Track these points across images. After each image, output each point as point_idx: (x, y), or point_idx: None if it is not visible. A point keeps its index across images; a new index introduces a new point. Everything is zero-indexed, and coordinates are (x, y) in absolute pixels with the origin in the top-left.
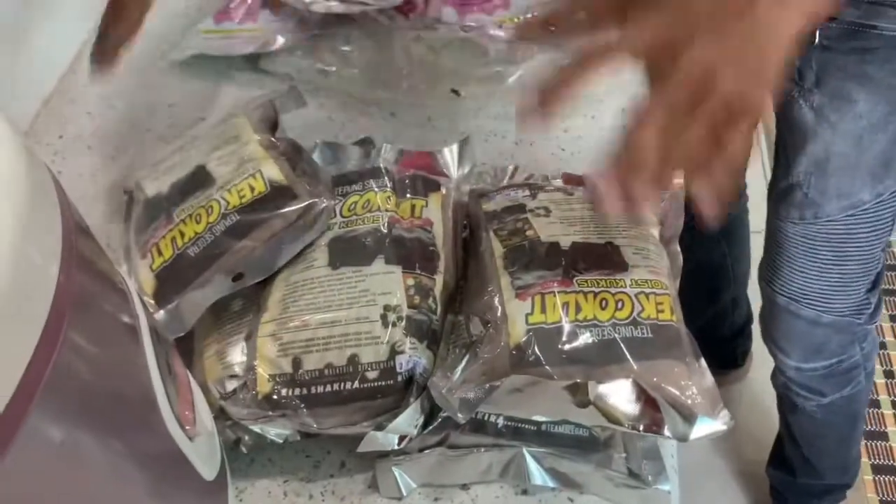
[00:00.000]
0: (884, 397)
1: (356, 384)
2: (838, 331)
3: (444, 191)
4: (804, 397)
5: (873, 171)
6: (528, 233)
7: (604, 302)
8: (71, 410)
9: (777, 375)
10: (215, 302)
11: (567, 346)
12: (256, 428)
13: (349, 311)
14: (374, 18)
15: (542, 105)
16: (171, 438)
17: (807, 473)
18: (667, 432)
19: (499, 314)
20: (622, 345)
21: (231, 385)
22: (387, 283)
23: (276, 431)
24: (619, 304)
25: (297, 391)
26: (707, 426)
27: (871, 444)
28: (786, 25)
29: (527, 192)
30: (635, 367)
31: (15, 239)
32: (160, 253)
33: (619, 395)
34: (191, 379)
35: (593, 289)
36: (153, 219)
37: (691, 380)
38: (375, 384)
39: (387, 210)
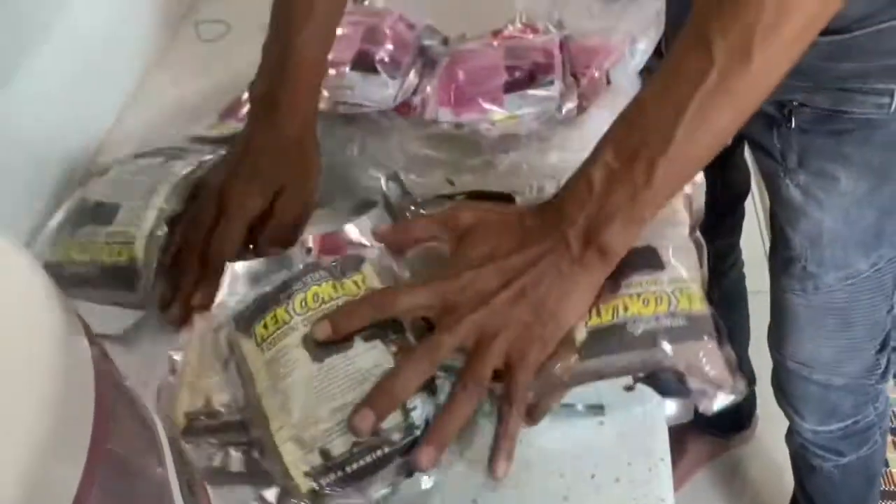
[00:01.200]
0: (892, 456)
1: (385, 449)
2: (851, 392)
3: (369, 263)
4: (822, 457)
5: (866, 243)
6: None
7: (646, 301)
8: None
9: (793, 437)
10: None
11: (619, 340)
12: None
13: (354, 393)
14: (375, 120)
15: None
16: None
17: None
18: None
19: None
20: (663, 332)
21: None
22: (374, 357)
23: None
24: (659, 300)
25: (334, 475)
26: (726, 397)
27: None
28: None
29: None
30: (672, 352)
31: (48, 388)
32: None
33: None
34: (208, 488)
35: (637, 290)
36: None
37: (715, 358)
38: (402, 443)
39: (339, 297)
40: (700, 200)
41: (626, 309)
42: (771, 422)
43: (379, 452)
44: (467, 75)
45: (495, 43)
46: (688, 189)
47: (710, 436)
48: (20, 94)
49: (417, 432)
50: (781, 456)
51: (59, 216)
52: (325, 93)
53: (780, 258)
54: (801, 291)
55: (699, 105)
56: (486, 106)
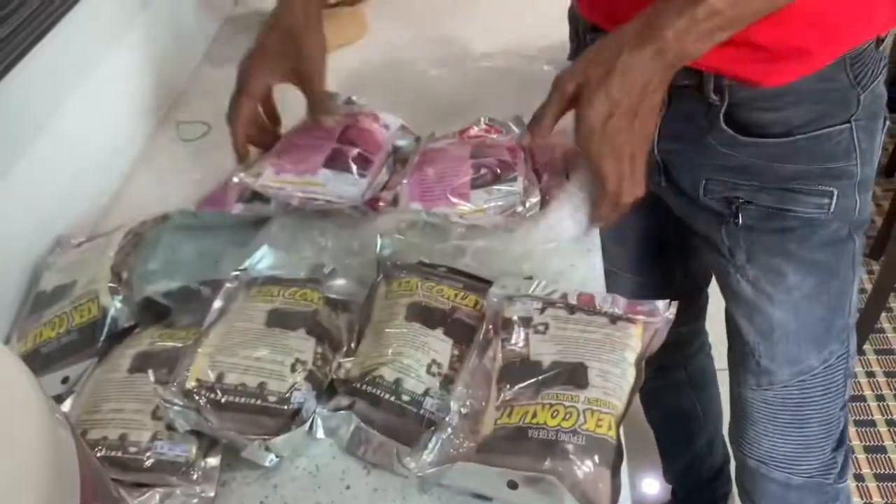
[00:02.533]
0: None
1: (257, 401)
2: (811, 492)
3: None
4: None
5: (816, 338)
6: (523, 350)
7: (555, 412)
8: None
9: None
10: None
11: (516, 443)
12: (170, 412)
13: (271, 354)
14: (349, 214)
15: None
16: None
17: None
18: None
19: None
20: (557, 446)
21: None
22: (303, 345)
23: (181, 421)
24: (568, 415)
25: (212, 395)
26: None
27: None
28: (655, 65)
29: (538, 306)
30: (560, 466)
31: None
32: None
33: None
34: None
35: (552, 401)
36: None
37: (602, 484)
38: (271, 406)
39: (316, 304)
40: (662, 336)
41: (534, 416)
42: None
43: (252, 401)
44: (436, 172)
45: (462, 141)
46: (654, 321)
47: None
48: (7, 196)
49: (285, 407)
50: None
51: (23, 313)
52: (300, 193)
53: (736, 353)
54: (756, 387)
55: None
56: (455, 200)
